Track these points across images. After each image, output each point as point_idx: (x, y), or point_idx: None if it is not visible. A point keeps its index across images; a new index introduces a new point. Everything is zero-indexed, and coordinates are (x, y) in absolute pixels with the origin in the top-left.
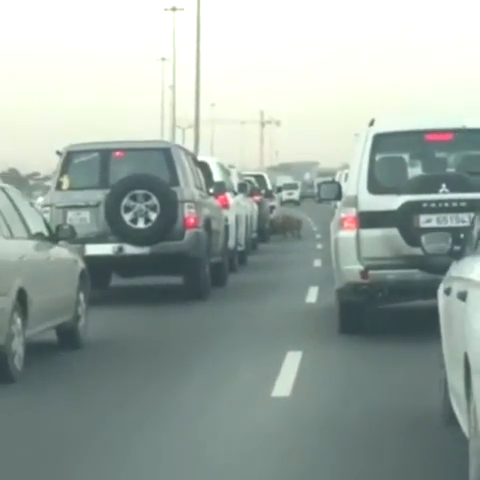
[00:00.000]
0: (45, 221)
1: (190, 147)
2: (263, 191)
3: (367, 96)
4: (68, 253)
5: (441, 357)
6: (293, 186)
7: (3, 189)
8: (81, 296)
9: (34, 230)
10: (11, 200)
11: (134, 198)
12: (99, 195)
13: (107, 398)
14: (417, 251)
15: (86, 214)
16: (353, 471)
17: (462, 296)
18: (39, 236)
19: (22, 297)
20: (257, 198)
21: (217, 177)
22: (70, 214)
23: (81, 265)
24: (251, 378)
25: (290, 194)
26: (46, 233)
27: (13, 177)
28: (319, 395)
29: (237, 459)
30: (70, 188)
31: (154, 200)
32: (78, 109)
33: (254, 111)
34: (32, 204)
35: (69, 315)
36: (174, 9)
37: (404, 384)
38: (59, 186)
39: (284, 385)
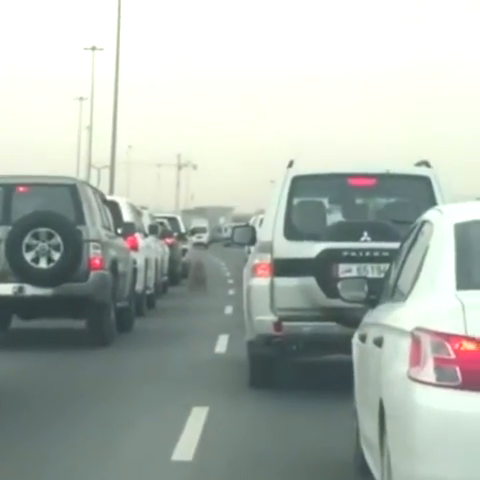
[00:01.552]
0: None
1: (105, 188)
2: (176, 234)
3: (286, 144)
4: None
5: (354, 406)
6: (202, 230)
7: None
8: None
9: None
10: None
11: (36, 236)
12: (0, 232)
13: None
14: (335, 303)
15: None
16: None
17: (378, 342)
18: None
19: None
20: (169, 240)
21: (127, 217)
22: None
23: None
24: (150, 437)
25: (199, 237)
26: None
27: None
28: (225, 458)
29: None
30: None
31: (58, 239)
32: None
33: (171, 154)
34: None
35: None
36: (94, 48)
37: (317, 439)
38: None
39: (187, 446)
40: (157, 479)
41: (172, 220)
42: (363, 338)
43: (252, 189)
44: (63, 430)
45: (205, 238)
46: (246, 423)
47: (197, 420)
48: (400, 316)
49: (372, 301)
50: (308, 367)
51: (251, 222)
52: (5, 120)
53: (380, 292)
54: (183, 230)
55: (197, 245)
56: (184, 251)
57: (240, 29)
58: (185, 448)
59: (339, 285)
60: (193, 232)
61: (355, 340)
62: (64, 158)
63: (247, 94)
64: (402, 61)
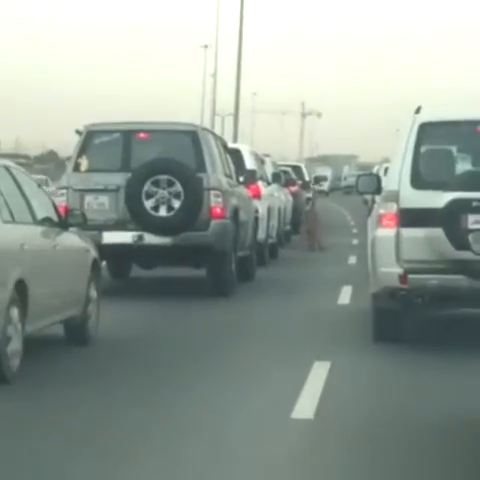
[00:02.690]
0: (54, 205)
1: (229, 136)
2: (300, 182)
3: (412, 92)
4: (79, 241)
5: None
6: (323, 178)
7: (7, 168)
8: (92, 288)
9: (41, 215)
10: (15, 180)
11: (157, 184)
12: (119, 179)
13: (109, 401)
14: (464, 255)
15: (105, 199)
16: None
17: None
18: (46, 221)
19: (21, 289)
20: (293, 189)
21: (249, 165)
22: (88, 198)
23: (93, 254)
24: (269, 393)
25: (320, 185)
26: (55, 218)
27: (52, 159)
28: (347, 417)
29: None
30: (89, 170)
31: (178, 187)
32: (117, 94)
33: (295, 102)
34: (40, 186)
35: (77, 309)
36: None
37: (446, 399)
38: (77, 167)
39: (307, 404)
40: (276, 438)
41: (296, 168)
42: None
43: (377, 137)
44: (182, 380)
45: (326, 186)
46: (369, 380)
47: (318, 376)
48: None
49: None
50: (435, 321)
51: (375, 171)
52: (131, 69)
53: None
54: (307, 178)
55: (318, 193)
56: (308, 200)
57: None
58: (305, 406)
59: (470, 237)
60: (316, 180)
61: None
62: (189, 106)
63: (372, 40)
64: None
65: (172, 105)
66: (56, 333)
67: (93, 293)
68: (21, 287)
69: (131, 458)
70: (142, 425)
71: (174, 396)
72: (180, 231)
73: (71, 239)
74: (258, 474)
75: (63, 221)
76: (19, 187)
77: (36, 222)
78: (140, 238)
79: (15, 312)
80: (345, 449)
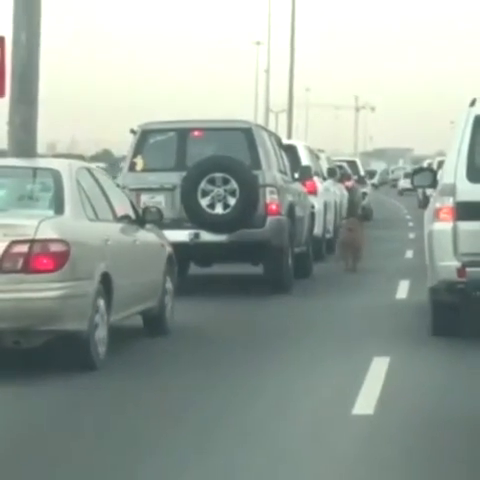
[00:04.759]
0: (132, 203)
1: (283, 132)
2: (355, 177)
3: (466, 84)
4: (155, 237)
5: None
6: (373, 173)
7: (88, 169)
8: (168, 281)
9: (120, 212)
10: (96, 181)
11: (212, 182)
12: (175, 178)
13: (184, 394)
14: None
15: (161, 198)
16: None
17: None
18: (125, 219)
19: (106, 282)
20: (348, 184)
21: (304, 161)
22: (143, 197)
23: (168, 249)
24: (329, 389)
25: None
26: (133, 216)
27: (106, 159)
28: (407, 413)
29: None
30: (144, 169)
31: (233, 184)
32: (170, 91)
33: (349, 96)
34: (119, 185)
35: (155, 301)
36: None
37: None
38: (132, 167)
39: (368, 400)
40: (337, 434)
41: (351, 163)
42: None
43: (431, 130)
44: (242, 374)
45: (376, 180)
46: (429, 375)
47: (378, 371)
48: None
49: None
50: None
51: (425, 164)
52: (184, 67)
53: None
54: (362, 173)
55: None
56: (364, 194)
57: None
58: (366, 401)
59: None
60: (371, 175)
61: None
62: (242, 103)
63: (425, 33)
64: None
65: (225, 102)
66: (135, 324)
67: (169, 286)
68: (106, 279)
69: (204, 443)
70: (215, 412)
71: (238, 390)
72: (236, 228)
73: (148, 235)
74: (321, 468)
75: (140, 218)
76: (100, 187)
77: (116, 219)
78: (196, 236)
79: (101, 303)
80: (405, 446)
